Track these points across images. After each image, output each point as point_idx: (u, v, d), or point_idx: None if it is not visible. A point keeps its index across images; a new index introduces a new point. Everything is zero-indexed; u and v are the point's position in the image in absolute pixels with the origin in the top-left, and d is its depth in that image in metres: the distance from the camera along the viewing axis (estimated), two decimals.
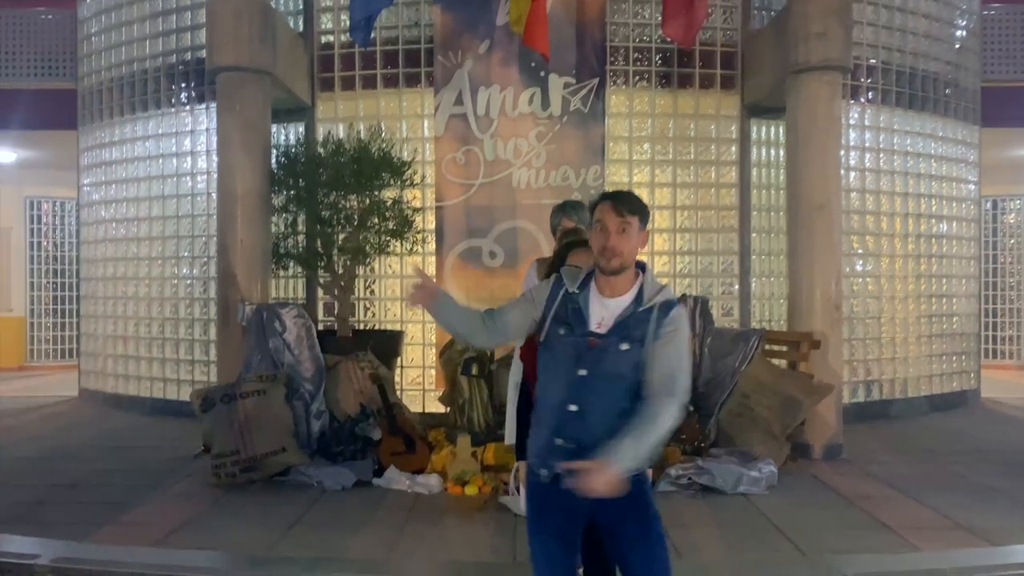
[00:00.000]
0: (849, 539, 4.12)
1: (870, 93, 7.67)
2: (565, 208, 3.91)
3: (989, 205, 11.80)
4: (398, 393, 6.85)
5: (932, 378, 8.10)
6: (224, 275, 6.13)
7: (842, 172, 6.76)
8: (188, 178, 7.85)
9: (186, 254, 7.85)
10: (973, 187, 8.64)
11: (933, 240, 8.15)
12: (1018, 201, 12.19)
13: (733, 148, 7.40)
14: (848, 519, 4.46)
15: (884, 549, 3.98)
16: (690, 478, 4.98)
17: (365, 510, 4.66)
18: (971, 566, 3.73)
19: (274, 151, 6.70)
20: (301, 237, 6.84)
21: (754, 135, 7.49)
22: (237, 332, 6.00)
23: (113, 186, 8.45)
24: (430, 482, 5.04)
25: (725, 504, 4.74)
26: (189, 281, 7.83)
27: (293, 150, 6.50)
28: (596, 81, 6.98)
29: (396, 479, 5.08)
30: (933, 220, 8.14)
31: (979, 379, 8.73)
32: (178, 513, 4.61)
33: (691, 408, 5.68)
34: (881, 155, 7.77)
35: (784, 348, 6.25)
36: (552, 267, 2.90)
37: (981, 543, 4.04)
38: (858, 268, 7.74)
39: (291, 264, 6.79)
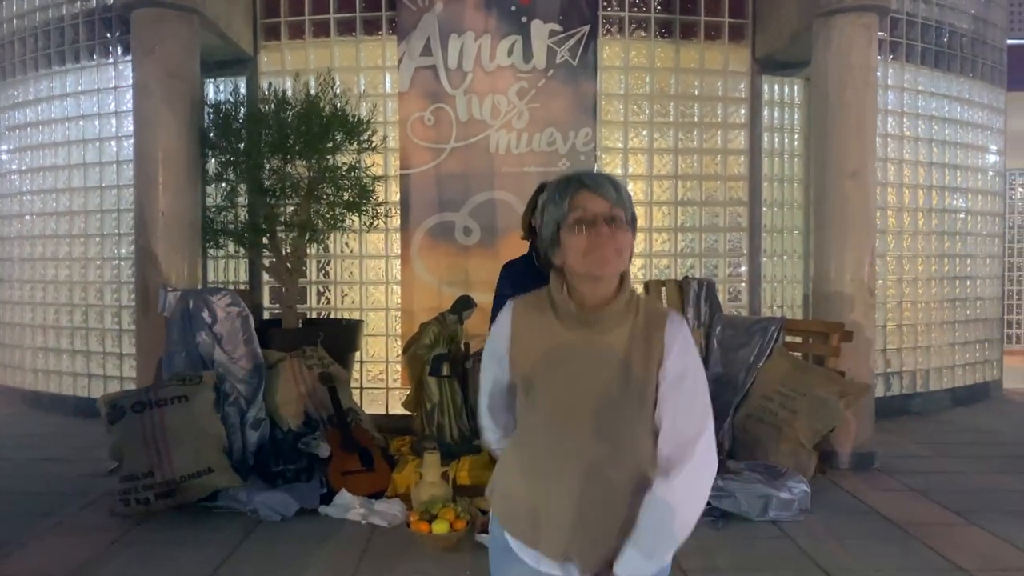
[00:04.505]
0: None
1: (892, 49, 6.77)
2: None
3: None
4: (357, 393, 5.89)
5: (955, 369, 7.30)
6: (143, 254, 5.10)
7: None
8: (113, 142, 6.76)
9: (112, 231, 6.77)
10: (998, 158, 7.81)
11: (957, 216, 7.31)
12: None
13: (742, 109, 6.47)
14: (912, 558, 3.58)
15: None
16: (710, 502, 4.08)
17: (306, 549, 3.71)
18: None
19: (210, 110, 5.66)
20: (243, 210, 5.82)
21: (766, 94, 6.56)
22: (159, 323, 4.99)
23: (29, 153, 7.32)
24: (391, 510, 4.08)
25: (755, 536, 3.86)
26: (116, 262, 6.76)
27: (225, 106, 5.42)
28: (587, 29, 6.00)
29: (349, 506, 4.13)
30: (958, 193, 7.30)
31: (1002, 369, 7.96)
32: (68, 556, 3.63)
33: None
34: (904, 119, 6.89)
35: (801, 340, 5.38)
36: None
37: None
38: (877, 247, 6.88)
39: (228, 242, 5.76)
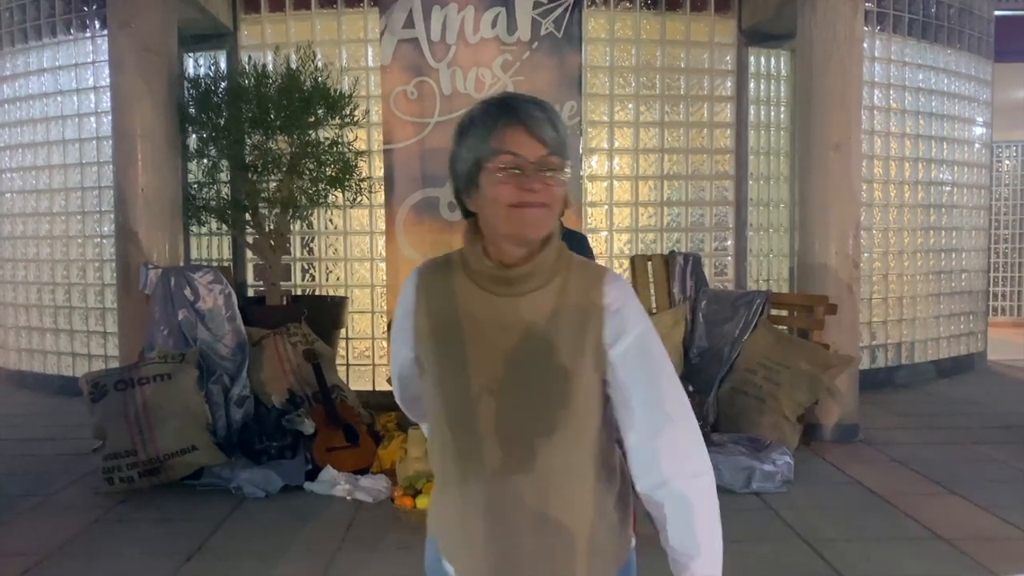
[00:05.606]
0: (908, 559, 3.28)
1: (879, 20, 6.72)
2: None
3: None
4: (343, 370, 5.88)
5: (940, 341, 7.34)
6: (123, 232, 5.04)
7: None
8: (92, 118, 6.67)
9: (94, 208, 6.70)
10: (984, 130, 7.81)
11: (943, 188, 7.31)
12: (1015, 148, 11.44)
13: (729, 81, 6.42)
14: (894, 528, 3.62)
15: (951, 572, 3.14)
16: None
17: (290, 527, 3.71)
18: None
19: (189, 85, 5.57)
20: (224, 187, 5.75)
21: (752, 67, 6.52)
22: (141, 302, 4.94)
23: (7, 130, 7.20)
24: (376, 486, 4.09)
25: (737, 508, 3.87)
26: (99, 240, 6.70)
27: (205, 81, 5.33)
28: (571, 0, 5.92)
29: (334, 482, 4.13)
30: (944, 165, 7.29)
31: (986, 341, 8.02)
32: (49, 535, 3.61)
33: (690, 388, 4.79)
34: (891, 91, 6.86)
35: (786, 313, 5.40)
36: None
37: None
38: (863, 220, 6.88)
39: (210, 219, 5.70)
